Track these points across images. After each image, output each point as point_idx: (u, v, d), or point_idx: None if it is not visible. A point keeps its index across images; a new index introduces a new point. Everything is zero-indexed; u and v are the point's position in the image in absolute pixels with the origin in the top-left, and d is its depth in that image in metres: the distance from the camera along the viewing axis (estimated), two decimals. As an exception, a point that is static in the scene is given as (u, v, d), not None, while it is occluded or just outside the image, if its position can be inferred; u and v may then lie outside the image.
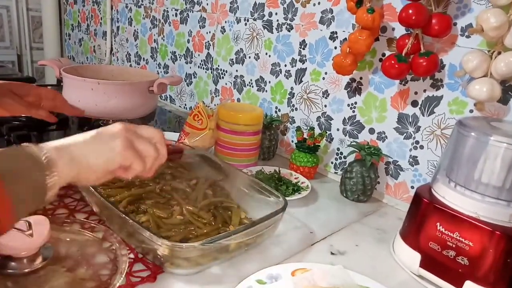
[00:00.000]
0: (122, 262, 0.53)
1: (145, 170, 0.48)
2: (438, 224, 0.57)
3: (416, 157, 0.81)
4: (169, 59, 1.43)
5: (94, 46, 1.85)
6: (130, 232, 0.57)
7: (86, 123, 1.13)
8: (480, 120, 0.62)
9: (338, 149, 0.95)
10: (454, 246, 0.56)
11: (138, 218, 0.61)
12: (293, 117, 1.04)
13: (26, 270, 0.48)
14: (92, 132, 0.45)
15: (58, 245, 0.54)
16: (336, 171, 0.96)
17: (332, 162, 0.97)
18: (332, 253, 0.65)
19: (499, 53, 0.64)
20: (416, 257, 0.60)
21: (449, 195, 0.58)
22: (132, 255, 0.57)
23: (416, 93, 0.79)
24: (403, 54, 0.73)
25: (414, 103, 0.80)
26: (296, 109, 1.03)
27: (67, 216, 0.65)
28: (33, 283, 0.48)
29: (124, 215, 0.55)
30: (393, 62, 0.74)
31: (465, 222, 0.55)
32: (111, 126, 0.47)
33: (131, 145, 0.46)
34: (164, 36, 1.43)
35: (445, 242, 0.57)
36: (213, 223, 0.62)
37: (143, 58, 1.56)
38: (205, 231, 0.60)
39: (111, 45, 1.73)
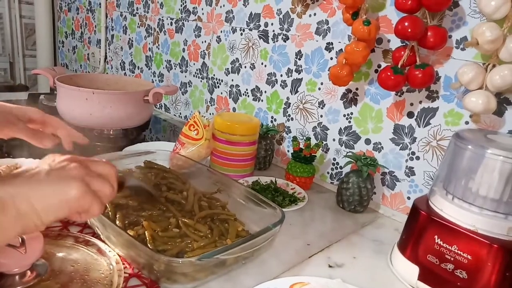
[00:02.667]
0: (117, 277, 0.52)
1: (101, 210, 0.43)
2: (436, 237, 0.57)
3: (412, 168, 0.81)
4: (164, 68, 1.43)
5: (88, 54, 1.84)
6: (126, 246, 0.56)
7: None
8: (476, 133, 0.63)
9: (334, 159, 0.95)
10: (452, 259, 0.56)
11: (133, 231, 0.60)
12: (289, 127, 1.04)
13: None
14: (39, 171, 0.39)
15: (51, 261, 0.53)
16: (332, 181, 0.96)
17: (328, 172, 0.97)
18: (330, 266, 0.65)
19: (494, 66, 0.64)
20: (414, 270, 0.60)
21: (447, 208, 0.58)
22: (127, 270, 0.56)
23: (412, 104, 0.80)
24: (399, 66, 0.74)
25: (410, 114, 0.80)
26: (292, 119, 1.03)
27: (61, 229, 0.63)
28: (25, 300, 0.46)
29: (119, 229, 0.54)
30: (389, 73, 0.74)
31: (463, 235, 0.55)
32: (62, 165, 0.41)
33: (88, 188, 0.41)
34: (159, 45, 1.42)
35: (443, 255, 0.56)
36: (209, 236, 0.62)
37: (138, 67, 1.55)
38: (202, 244, 0.59)
39: (105, 53, 1.72)
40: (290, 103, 1.03)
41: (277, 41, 1.02)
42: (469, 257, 0.54)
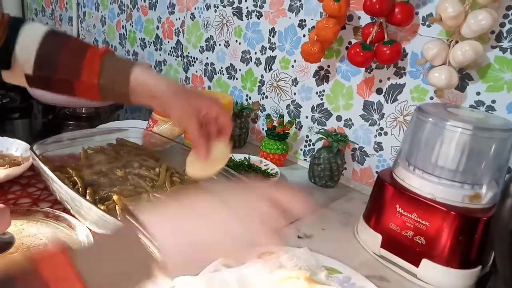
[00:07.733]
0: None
1: None
2: (397, 206, 0.60)
3: (381, 143, 0.84)
4: (138, 46, 1.40)
5: (59, 32, 1.78)
6: (95, 220, 0.56)
7: (51, 111, 1.10)
8: (438, 106, 0.65)
9: (307, 136, 0.97)
10: (412, 226, 0.58)
11: (104, 206, 0.60)
12: (264, 105, 1.05)
13: (-15, 260, 0.47)
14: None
15: (20, 235, 0.53)
16: (305, 158, 0.98)
17: (301, 149, 0.99)
18: (299, 237, 0.67)
19: (457, 42, 0.66)
20: (378, 238, 0.63)
21: (409, 178, 0.61)
22: (98, 243, 0.56)
23: (380, 81, 0.82)
24: (367, 42, 0.75)
25: (379, 91, 0.82)
26: (267, 97, 1.04)
27: (30, 205, 0.63)
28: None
29: (89, 203, 0.54)
30: (358, 50, 0.75)
31: (423, 203, 0.58)
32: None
33: None
34: (132, 22, 1.39)
35: (404, 223, 0.59)
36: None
37: (111, 45, 1.51)
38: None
39: (78, 31, 1.67)
40: (264, 81, 1.03)
41: (251, 18, 1.02)
42: (427, 224, 0.57)
